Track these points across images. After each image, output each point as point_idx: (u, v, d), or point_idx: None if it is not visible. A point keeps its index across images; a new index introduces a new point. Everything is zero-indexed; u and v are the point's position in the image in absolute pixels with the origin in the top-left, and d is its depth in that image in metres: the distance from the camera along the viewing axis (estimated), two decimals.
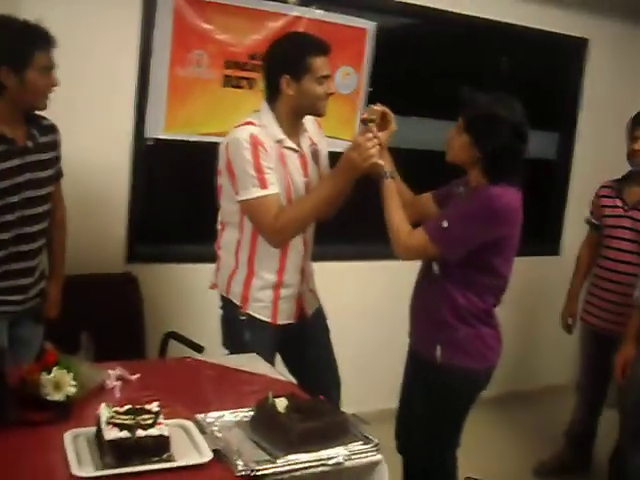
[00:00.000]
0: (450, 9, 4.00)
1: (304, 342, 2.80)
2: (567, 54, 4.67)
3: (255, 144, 2.46)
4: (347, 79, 3.79)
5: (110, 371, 2.25)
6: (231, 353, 2.74)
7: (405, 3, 3.86)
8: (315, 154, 2.72)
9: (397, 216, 2.48)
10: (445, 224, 2.39)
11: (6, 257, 2.51)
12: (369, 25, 3.80)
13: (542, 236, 4.86)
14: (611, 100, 4.62)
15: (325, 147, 2.79)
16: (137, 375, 2.30)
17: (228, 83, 3.49)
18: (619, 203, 3.48)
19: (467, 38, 4.27)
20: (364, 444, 1.94)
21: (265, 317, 2.67)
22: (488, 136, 2.39)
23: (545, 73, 4.65)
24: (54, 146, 2.62)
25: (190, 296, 3.48)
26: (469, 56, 4.34)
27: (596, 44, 4.61)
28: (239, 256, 2.64)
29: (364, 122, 2.51)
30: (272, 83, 2.56)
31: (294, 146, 2.61)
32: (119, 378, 2.24)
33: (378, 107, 2.57)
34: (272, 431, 1.92)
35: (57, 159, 2.65)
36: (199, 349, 2.98)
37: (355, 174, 2.47)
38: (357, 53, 3.81)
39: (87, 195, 3.23)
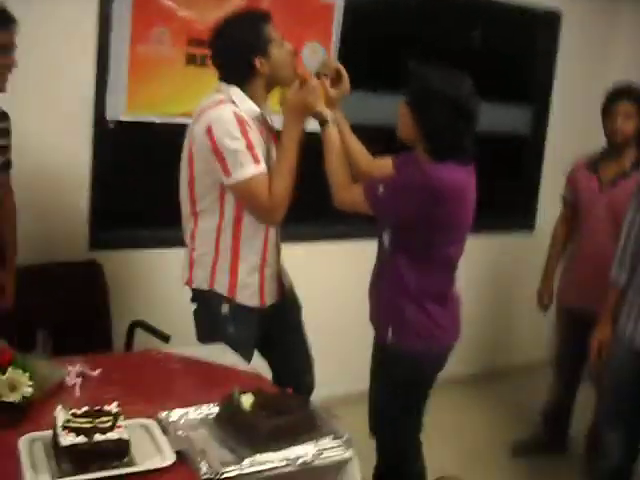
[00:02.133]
0: None
1: (280, 325, 2.74)
2: (540, 27, 4.60)
3: (241, 121, 2.39)
4: (315, 55, 3.68)
5: (70, 367, 2.15)
6: None
7: None
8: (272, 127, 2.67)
9: (334, 166, 2.46)
10: (381, 189, 2.35)
11: None
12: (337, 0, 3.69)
13: (517, 212, 4.82)
14: (584, 74, 4.58)
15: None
16: (99, 370, 2.20)
17: (192, 61, 3.37)
18: (595, 181, 3.43)
19: (439, 11, 4.18)
20: (334, 439, 1.88)
21: (253, 303, 2.60)
22: (427, 112, 2.32)
23: (518, 47, 4.60)
24: (4, 133, 2.50)
25: (157, 283, 3.39)
26: (441, 30, 4.26)
27: (569, 17, 4.54)
28: (220, 243, 2.53)
29: (317, 76, 2.50)
30: (242, 67, 2.49)
31: (268, 120, 2.59)
32: (80, 375, 2.15)
33: (332, 63, 2.58)
34: (238, 429, 1.84)
35: (7, 148, 2.54)
36: (166, 338, 2.91)
37: (304, 116, 2.46)
38: (325, 28, 3.70)
39: (47, 181, 3.12)
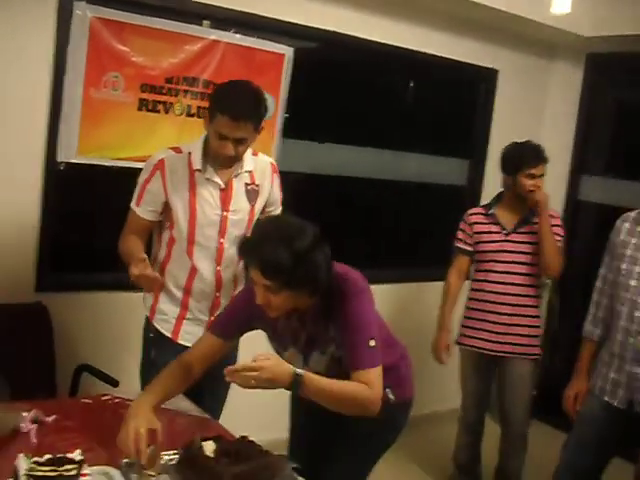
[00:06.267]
0: (368, 37, 4.04)
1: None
2: (478, 83, 4.82)
3: (157, 168, 2.66)
4: None
5: (24, 413, 2.13)
6: (141, 372, 2.82)
7: (320, 29, 3.89)
8: (252, 193, 2.77)
9: (344, 394, 2.09)
10: (372, 343, 2.11)
11: None
12: (287, 50, 3.79)
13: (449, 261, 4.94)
14: (518, 128, 4.76)
15: (268, 189, 2.85)
16: (53, 417, 2.19)
17: (144, 107, 3.40)
18: (495, 229, 3.62)
19: (382, 64, 4.34)
20: None
21: (167, 332, 2.76)
22: (310, 277, 2.06)
23: (456, 102, 4.79)
24: None
25: (104, 326, 3.36)
26: (383, 82, 4.42)
27: (505, 74, 4.77)
28: (154, 266, 2.72)
29: None
30: (209, 112, 2.62)
31: (215, 179, 2.69)
32: (34, 421, 2.13)
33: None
34: (201, 476, 1.86)
35: None
36: (114, 383, 2.88)
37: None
38: (275, 78, 3.78)
39: None
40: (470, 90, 4.85)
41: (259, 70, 3.69)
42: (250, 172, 2.76)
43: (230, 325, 2.32)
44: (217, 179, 2.68)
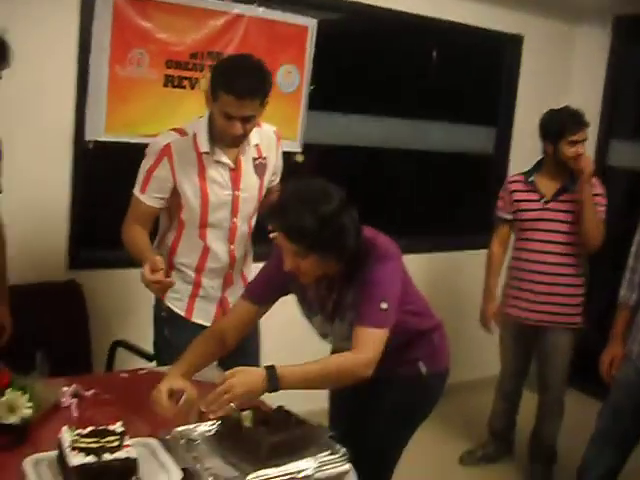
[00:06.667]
0: (390, 6, 4.00)
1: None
2: (503, 50, 4.76)
3: (163, 154, 2.56)
4: (289, 77, 3.76)
5: (65, 388, 2.17)
6: (156, 352, 2.80)
7: (343, 0, 3.86)
8: (260, 167, 2.72)
9: (326, 370, 2.05)
10: (384, 305, 2.09)
11: None
12: (310, 22, 3.77)
13: (482, 230, 4.93)
14: (544, 94, 4.71)
15: (274, 161, 2.79)
16: (92, 391, 2.23)
17: (169, 83, 3.41)
18: (534, 197, 3.57)
19: (406, 33, 4.30)
20: (332, 454, 1.93)
21: (180, 310, 2.72)
22: (336, 241, 2.06)
23: (481, 69, 4.73)
24: None
25: (138, 302, 3.38)
26: (407, 51, 4.38)
27: (530, 40, 4.70)
28: (165, 243, 2.73)
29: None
30: (211, 90, 2.51)
31: (224, 159, 2.62)
32: (74, 395, 2.17)
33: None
34: (240, 446, 1.89)
35: None
36: (149, 357, 2.92)
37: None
38: (299, 51, 3.77)
39: (25, 201, 3.11)
40: (495, 57, 4.79)
41: (283, 43, 3.68)
42: (257, 145, 2.70)
43: (265, 291, 2.32)
44: (226, 160, 2.61)
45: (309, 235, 2.00)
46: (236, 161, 2.64)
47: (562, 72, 4.93)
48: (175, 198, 2.62)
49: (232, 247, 2.71)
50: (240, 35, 3.53)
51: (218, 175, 2.61)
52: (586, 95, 4.87)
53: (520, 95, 4.78)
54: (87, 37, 3.17)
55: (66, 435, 1.75)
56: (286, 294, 2.35)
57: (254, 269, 2.81)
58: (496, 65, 4.80)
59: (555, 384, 3.64)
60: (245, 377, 1.95)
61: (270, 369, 1.96)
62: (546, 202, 3.53)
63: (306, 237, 2.01)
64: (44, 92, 3.12)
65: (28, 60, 3.01)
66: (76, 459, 1.67)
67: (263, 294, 2.32)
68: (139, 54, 3.30)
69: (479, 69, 4.71)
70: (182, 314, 2.73)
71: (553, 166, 3.54)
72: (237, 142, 2.60)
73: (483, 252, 4.76)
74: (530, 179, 3.61)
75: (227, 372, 1.97)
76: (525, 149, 4.73)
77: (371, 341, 2.07)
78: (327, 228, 2.00)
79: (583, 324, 3.61)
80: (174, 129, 2.62)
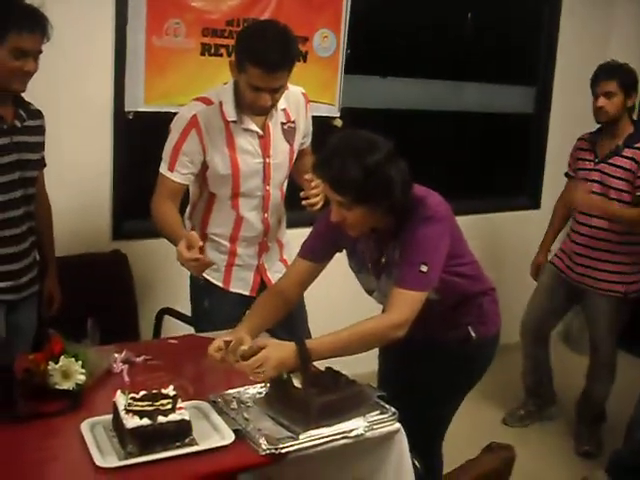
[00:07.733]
0: None
1: None
2: (542, 6, 4.66)
3: (191, 125, 2.49)
4: (326, 42, 3.72)
5: (116, 354, 2.21)
6: (195, 321, 2.80)
7: None
8: (289, 132, 2.67)
9: (358, 335, 2.05)
10: (424, 268, 2.06)
11: None
12: None
13: (522, 190, 4.88)
14: (585, 52, 4.61)
15: (303, 123, 2.73)
16: (142, 357, 2.26)
17: (206, 51, 3.40)
18: (590, 156, 3.50)
19: None
20: (381, 414, 1.95)
21: (217, 281, 2.69)
22: (382, 192, 2.05)
23: (520, 28, 4.64)
24: (41, 131, 2.55)
25: (180, 271, 3.40)
26: (444, 13, 4.31)
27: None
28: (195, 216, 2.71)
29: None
30: (237, 61, 2.45)
31: (252, 127, 2.56)
32: (125, 361, 2.21)
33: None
34: (290, 407, 1.91)
35: (42, 145, 2.57)
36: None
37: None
38: (335, 15, 3.73)
39: (68, 174, 3.14)
40: (534, 15, 4.68)
41: (319, 7, 3.65)
42: (284, 109, 2.63)
43: (318, 247, 2.32)
44: (254, 127, 2.55)
45: (353, 185, 1.99)
46: (264, 127, 2.58)
47: (603, 29, 4.81)
48: (204, 169, 2.57)
49: (266, 215, 2.68)
50: (276, 0, 3.50)
51: (247, 143, 2.56)
52: (626, 52, 4.74)
53: (560, 53, 4.67)
54: (123, 9, 3.17)
55: (120, 399, 1.79)
56: (340, 250, 2.36)
57: (288, 235, 2.84)
58: (536, 23, 4.69)
59: (602, 347, 3.58)
60: (277, 352, 1.96)
61: (300, 344, 1.96)
62: (597, 163, 3.45)
63: (350, 188, 2.00)
64: (83, 65, 3.14)
65: (66, 34, 3.02)
66: (132, 422, 1.70)
67: (317, 250, 2.32)
68: (175, 24, 3.29)
69: (518, 28, 4.62)
70: (220, 284, 2.70)
71: (609, 125, 3.44)
72: (265, 112, 2.54)
73: (522, 214, 4.77)
74: (593, 138, 3.53)
75: (259, 342, 1.99)
76: (566, 108, 4.67)
77: (405, 303, 2.06)
78: (372, 179, 1.99)
79: (630, 293, 3.46)
80: (198, 98, 2.56)
